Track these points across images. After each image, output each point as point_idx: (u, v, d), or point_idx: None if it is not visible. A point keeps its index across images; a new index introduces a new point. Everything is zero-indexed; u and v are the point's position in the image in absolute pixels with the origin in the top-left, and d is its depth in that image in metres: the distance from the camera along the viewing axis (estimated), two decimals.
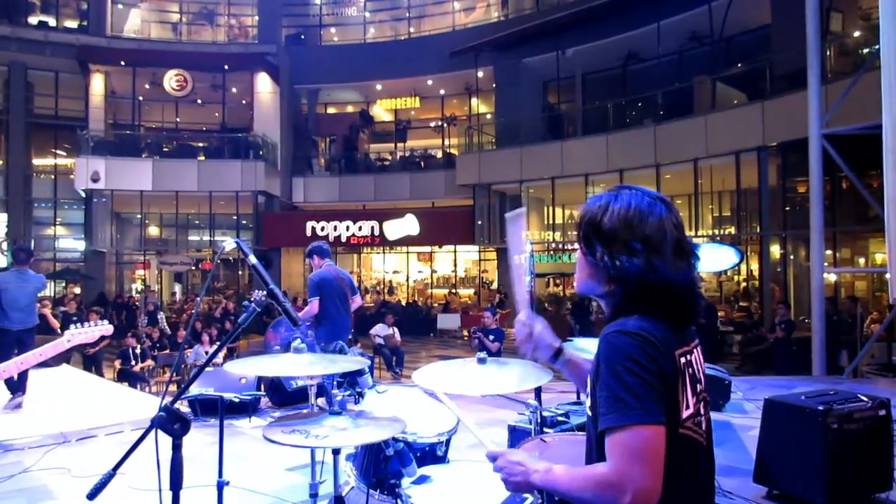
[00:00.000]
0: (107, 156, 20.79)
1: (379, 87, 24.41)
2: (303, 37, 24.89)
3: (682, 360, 1.38)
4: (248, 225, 22.95)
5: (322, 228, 21.87)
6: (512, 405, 5.92)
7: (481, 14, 24.08)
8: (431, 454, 2.81)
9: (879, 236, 11.18)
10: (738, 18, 15.94)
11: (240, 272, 24.04)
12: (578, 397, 4.81)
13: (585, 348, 3.38)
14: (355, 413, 2.56)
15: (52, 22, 22.97)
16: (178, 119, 25.20)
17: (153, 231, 24.54)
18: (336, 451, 2.54)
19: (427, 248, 24.11)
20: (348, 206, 23.41)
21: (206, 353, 11.73)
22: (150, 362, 12.38)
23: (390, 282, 24.91)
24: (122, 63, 22.21)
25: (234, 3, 25.11)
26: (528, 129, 20.29)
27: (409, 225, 21.72)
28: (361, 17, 25.70)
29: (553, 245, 19.65)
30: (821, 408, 3.88)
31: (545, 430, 3.07)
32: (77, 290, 21.93)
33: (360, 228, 22.04)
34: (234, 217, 22.66)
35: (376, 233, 21.95)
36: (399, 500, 2.39)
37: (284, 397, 6.98)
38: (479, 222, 20.77)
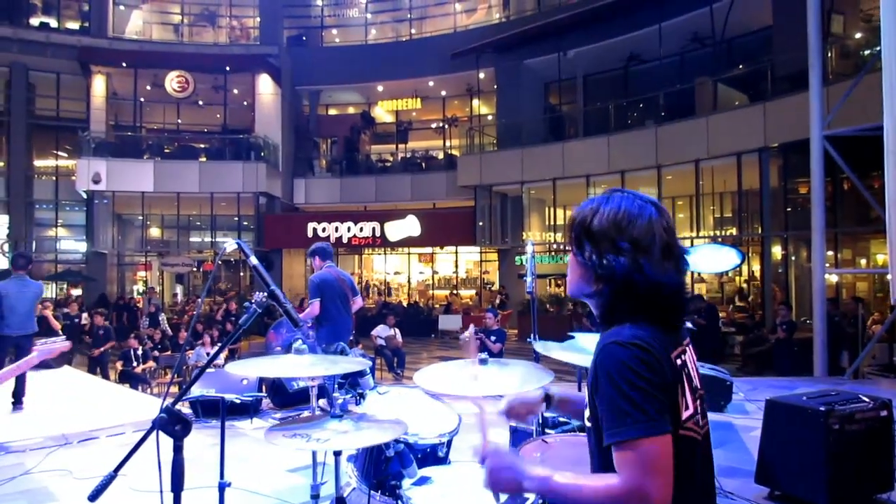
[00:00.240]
0: (108, 157, 20.80)
1: (380, 88, 24.43)
2: (304, 38, 24.89)
3: (678, 361, 1.40)
4: (250, 226, 22.96)
5: (323, 229, 21.88)
6: None
7: (483, 15, 24.10)
8: (433, 455, 2.81)
9: (881, 237, 11.19)
10: (740, 20, 15.94)
11: (241, 273, 24.06)
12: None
13: (585, 347, 3.39)
14: (357, 416, 2.56)
15: (53, 23, 22.99)
16: (179, 120, 25.21)
17: (154, 232, 24.56)
18: (337, 453, 2.55)
19: (428, 250, 24.11)
20: (349, 208, 23.42)
21: (208, 354, 11.73)
22: (151, 364, 12.39)
23: (388, 283, 24.90)
24: (124, 64, 22.23)
25: (235, 5, 25.14)
26: (530, 131, 20.29)
27: (410, 226, 21.73)
28: (363, 18, 25.72)
29: (554, 246, 19.64)
30: (822, 409, 3.88)
31: (546, 431, 3.07)
32: (76, 292, 21.94)
33: (361, 229, 22.05)
34: (236, 218, 22.67)
35: (377, 234, 21.96)
36: (400, 502, 2.39)
37: (286, 398, 6.98)
38: (481, 223, 20.77)
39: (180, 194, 21.30)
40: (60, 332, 11.25)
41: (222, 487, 2.79)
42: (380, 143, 25.76)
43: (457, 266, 24.11)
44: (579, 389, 5.76)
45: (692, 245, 15.84)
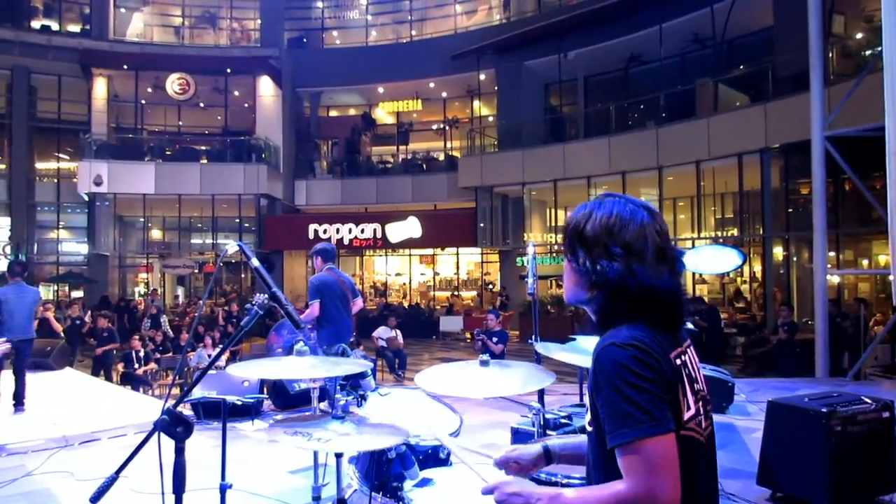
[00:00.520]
0: (109, 159, 20.82)
1: (381, 89, 24.43)
2: (305, 40, 24.90)
3: (678, 361, 1.39)
4: (251, 228, 22.98)
5: (324, 231, 21.90)
6: (515, 407, 5.92)
7: (483, 17, 24.11)
8: (434, 457, 2.81)
9: (882, 238, 11.16)
10: (741, 20, 15.93)
11: (242, 275, 24.07)
12: (581, 400, 4.80)
13: (587, 349, 3.39)
14: (358, 419, 2.56)
15: (54, 26, 23.02)
16: (180, 122, 25.24)
17: (156, 234, 24.58)
18: (339, 455, 2.55)
19: (429, 251, 24.11)
20: (350, 209, 23.43)
21: (209, 356, 11.73)
22: (153, 365, 12.38)
23: (385, 284, 24.89)
24: (125, 67, 22.26)
25: (236, 7, 25.17)
26: (530, 132, 20.29)
27: (411, 227, 21.74)
28: (363, 20, 25.73)
29: (555, 247, 19.63)
30: (824, 410, 3.87)
31: (548, 432, 3.07)
32: (77, 294, 21.96)
33: (362, 231, 22.06)
34: (237, 220, 22.69)
35: (378, 235, 21.97)
36: (402, 503, 2.39)
37: (287, 400, 6.99)
38: (482, 224, 20.78)
39: (181, 196, 21.33)
40: (62, 334, 11.31)
41: (224, 489, 2.79)
42: (381, 144, 25.76)
43: (458, 267, 24.11)
44: (580, 390, 5.76)
45: (693, 246, 15.83)
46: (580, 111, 20.54)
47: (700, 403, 1.42)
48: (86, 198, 21.26)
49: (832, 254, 12.43)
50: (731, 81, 16.74)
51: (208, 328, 14.16)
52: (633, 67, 19.62)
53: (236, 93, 24.26)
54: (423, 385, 2.55)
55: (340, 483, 2.64)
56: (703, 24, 16.49)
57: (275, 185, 22.33)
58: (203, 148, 23.63)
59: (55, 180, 23.53)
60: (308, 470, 4.02)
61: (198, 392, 6.40)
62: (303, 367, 3.01)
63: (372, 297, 23.20)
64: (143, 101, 23.73)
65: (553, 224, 20.80)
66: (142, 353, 12.02)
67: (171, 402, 1.82)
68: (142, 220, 22.71)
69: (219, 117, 24.80)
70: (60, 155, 23.64)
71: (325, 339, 5.92)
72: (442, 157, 24.31)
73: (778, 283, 14.71)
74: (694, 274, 16.62)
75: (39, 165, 23.57)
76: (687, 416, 1.37)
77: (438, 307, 22.26)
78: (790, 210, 14.27)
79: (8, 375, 7.31)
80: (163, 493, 1.83)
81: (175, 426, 1.78)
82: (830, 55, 12.12)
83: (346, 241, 21.93)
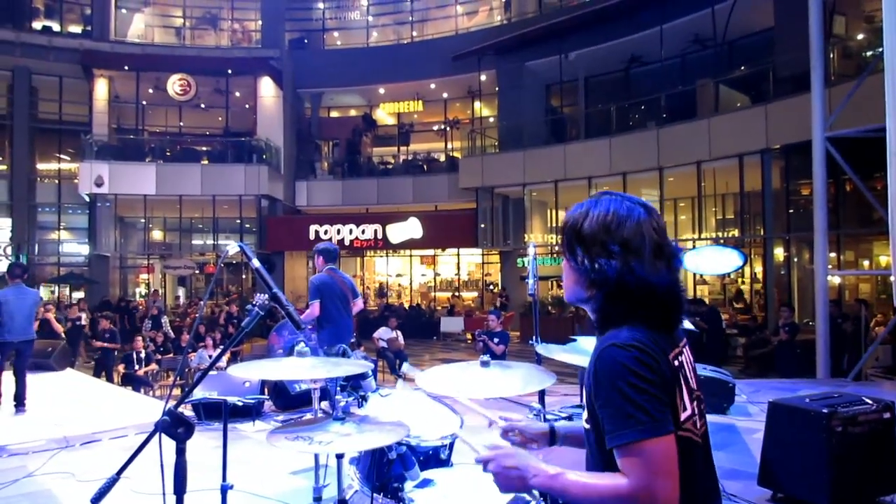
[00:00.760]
0: (110, 160, 20.83)
1: (382, 90, 24.44)
2: (306, 41, 24.91)
3: (676, 362, 1.40)
4: (252, 229, 22.97)
5: (325, 232, 21.89)
6: (515, 408, 5.91)
7: (484, 18, 24.12)
8: (435, 458, 2.81)
9: (883, 239, 11.15)
10: (742, 21, 15.93)
11: (243, 276, 24.08)
12: (582, 400, 4.81)
13: (587, 349, 3.38)
14: (359, 418, 2.56)
15: (55, 27, 23.02)
16: (181, 123, 25.24)
17: (157, 235, 24.57)
18: (340, 456, 2.55)
19: (430, 252, 24.10)
20: (351, 210, 23.43)
21: (210, 357, 11.74)
22: (154, 366, 12.38)
23: (383, 284, 24.89)
24: (126, 68, 22.27)
25: (237, 8, 25.19)
26: (531, 133, 20.29)
27: (412, 228, 21.74)
28: (364, 21, 25.74)
29: (556, 248, 19.63)
30: (825, 411, 3.87)
31: None
32: (77, 295, 21.95)
33: (363, 232, 22.06)
34: (238, 221, 22.69)
35: (379, 236, 21.97)
36: None
37: (288, 401, 6.99)
38: (483, 225, 20.78)
39: (182, 197, 21.34)
40: (62, 335, 11.32)
41: (225, 490, 2.79)
42: (381, 145, 25.77)
43: (459, 268, 24.10)
44: (581, 391, 5.76)
45: (694, 247, 15.83)
46: (581, 112, 20.54)
47: (695, 403, 1.43)
48: (87, 199, 21.27)
49: (833, 255, 12.42)
50: (732, 82, 16.73)
51: (209, 329, 14.17)
52: (633, 68, 19.62)
53: (237, 94, 24.27)
54: (424, 386, 2.55)
55: (341, 484, 2.64)
56: (704, 24, 16.49)
57: (275, 185, 22.34)
58: (204, 149, 23.62)
59: (56, 181, 23.52)
60: (309, 471, 4.03)
61: (199, 393, 6.40)
62: (303, 368, 3.01)
63: (371, 299, 23.22)
64: (144, 102, 23.75)
65: (554, 225, 20.80)
66: (143, 354, 12.03)
67: (172, 403, 1.82)
68: (143, 220, 22.71)
69: (220, 118, 24.81)
70: (61, 156, 23.65)
71: (325, 340, 5.92)
72: (443, 158, 24.31)
73: (779, 284, 14.70)
74: (695, 275, 16.63)
75: (40, 166, 23.57)
76: (683, 416, 1.37)
77: (439, 308, 22.26)
78: (791, 211, 14.26)
79: (9, 376, 7.34)
80: (164, 494, 1.83)
81: (176, 427, 1.78)
82: (831, 56, 12.13)
83: (346, 242, 21.92)
